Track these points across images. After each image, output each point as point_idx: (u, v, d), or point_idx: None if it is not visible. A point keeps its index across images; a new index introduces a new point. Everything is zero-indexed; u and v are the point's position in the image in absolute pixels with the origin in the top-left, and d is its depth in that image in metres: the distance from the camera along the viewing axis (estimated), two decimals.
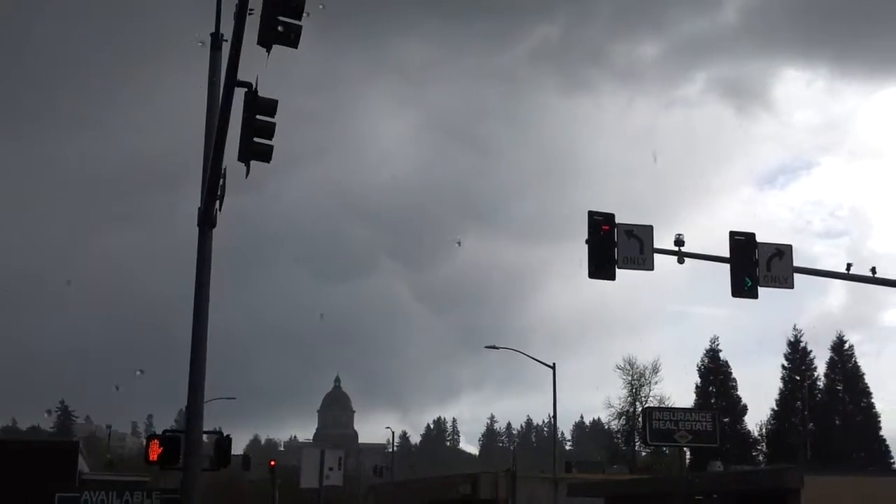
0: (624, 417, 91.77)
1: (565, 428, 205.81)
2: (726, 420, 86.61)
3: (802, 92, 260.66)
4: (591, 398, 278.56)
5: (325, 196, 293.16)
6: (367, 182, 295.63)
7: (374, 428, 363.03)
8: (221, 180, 20.14)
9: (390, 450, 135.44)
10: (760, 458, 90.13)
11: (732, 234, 28.89)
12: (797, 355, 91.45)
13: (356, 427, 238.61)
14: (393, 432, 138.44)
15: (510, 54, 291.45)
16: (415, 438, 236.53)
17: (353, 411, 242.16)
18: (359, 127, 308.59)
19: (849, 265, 30.12)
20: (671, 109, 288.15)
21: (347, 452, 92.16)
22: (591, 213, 27.98)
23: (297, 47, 15.79)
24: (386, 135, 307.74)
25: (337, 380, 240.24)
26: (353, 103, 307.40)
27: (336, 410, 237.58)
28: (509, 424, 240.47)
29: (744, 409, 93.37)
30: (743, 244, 28.79)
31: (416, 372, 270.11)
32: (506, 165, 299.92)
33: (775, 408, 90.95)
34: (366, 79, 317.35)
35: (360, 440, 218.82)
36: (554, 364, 59.56)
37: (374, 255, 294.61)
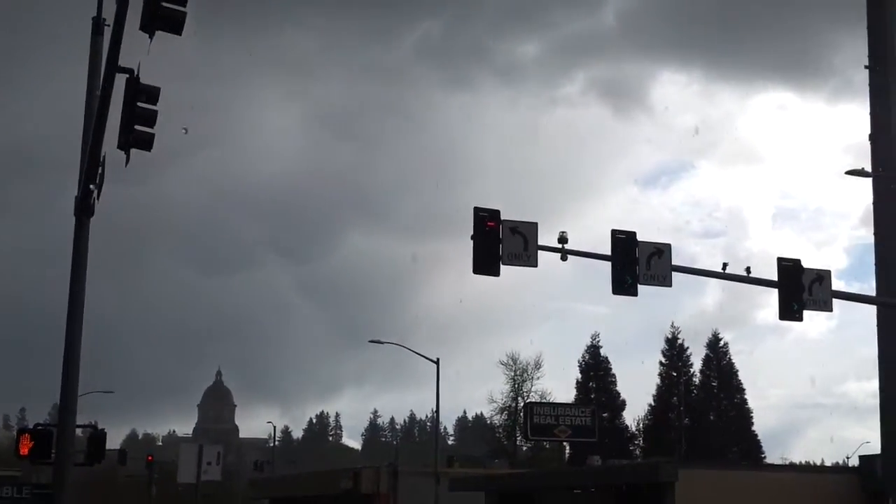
0: (506, 412, 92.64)
1: (448, 423, 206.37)
2: (605, 415, 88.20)
3: (679, 95, 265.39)
4: (474, 393, 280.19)
5: (208, 187, 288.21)
6: (252, 174, 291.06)
7: (256, 422, 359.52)
8: (100, 168, 19.67)
9: (272, 444, 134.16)
10: (638, 452, 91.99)
11: (614, 233, 29.29)
12: (674, 352, 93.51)
13: (237, 422, 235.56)
14: (274, 427, 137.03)
15: (396, 50, 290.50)
16: (297, 433, 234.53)
17: (235, 405, 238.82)
18: (243, 118, 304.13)
19: (724, 265, 30.78)
20: (553, 108, 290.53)
21: (228, 447, 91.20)
22: (477, 210, 28.07)
23: (181, 34, 15.43)
24: (270, 127, 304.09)
25: (218, 373, 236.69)
26: (238, 94, 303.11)
27: (217, 404, 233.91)
28: (393, 419, 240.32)
29: (622, 405, 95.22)
30: (624, 242, 29.19)
31: (300, 366, 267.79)
32: (392, 160, 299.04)
33: (653, 403, 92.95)
34: (250, 70, 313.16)
35: (242, 435, 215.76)
36: (438, 359, 59.84)
37: (258, 248, 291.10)
